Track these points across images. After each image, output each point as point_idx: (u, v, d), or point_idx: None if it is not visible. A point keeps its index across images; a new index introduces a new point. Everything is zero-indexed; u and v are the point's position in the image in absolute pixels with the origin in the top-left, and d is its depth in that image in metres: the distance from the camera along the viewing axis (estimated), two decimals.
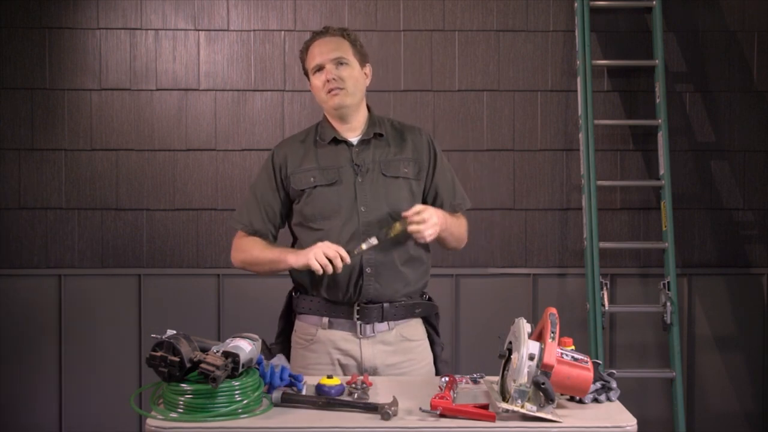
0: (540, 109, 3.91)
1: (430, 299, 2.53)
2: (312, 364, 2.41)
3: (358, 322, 2.39)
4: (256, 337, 2.00)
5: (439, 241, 2.46)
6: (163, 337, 1.89)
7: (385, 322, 2.40)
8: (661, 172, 3.78)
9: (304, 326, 2.46)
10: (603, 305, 3.68)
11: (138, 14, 3.84)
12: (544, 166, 3.92)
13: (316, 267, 2.25)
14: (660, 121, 3.78)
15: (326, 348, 2.41)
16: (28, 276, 3.82)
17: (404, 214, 2.30)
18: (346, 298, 2.38)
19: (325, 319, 2.41)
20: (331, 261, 2.25)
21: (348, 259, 2.26)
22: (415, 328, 2.48)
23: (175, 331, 1.92)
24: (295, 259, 2.32)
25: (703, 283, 3.94)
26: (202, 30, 3.86)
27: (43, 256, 3.83)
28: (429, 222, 2.29)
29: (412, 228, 2.28)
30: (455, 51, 3.89)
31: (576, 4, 3.82)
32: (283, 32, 3.87)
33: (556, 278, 3.92)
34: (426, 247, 2.48)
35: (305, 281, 2.44)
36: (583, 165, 3.76)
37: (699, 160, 3.94)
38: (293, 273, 2.48)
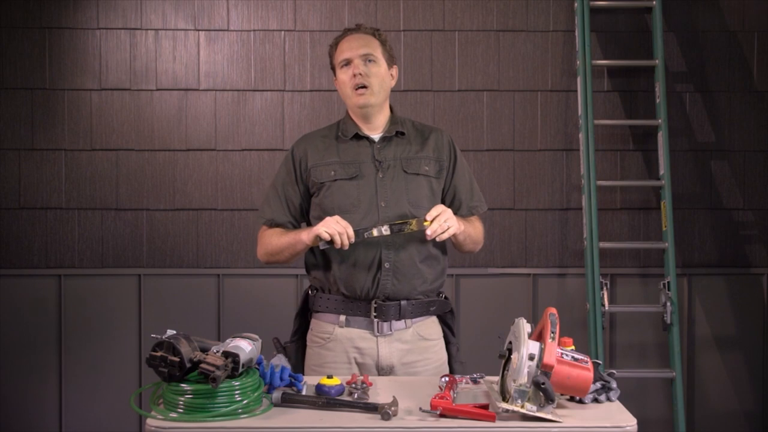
0: (540, 109, 3.91)
1: (446, 298, 2.54)
2: (329, 363, 2.42)
3: (376, 320, 2.39)
4: (256, 337, 2.00)
5: (456, 244, 2.49)
6: (163, 337, 1.89)
7: (403, 320, 2.41)
8: (661, 172, 3.78)
9: (321, 324, 2.46)
10: (603, 305, 3.68)
11: (138, 14, 3.84)
12: (544, 166, 3.92)
13: (325, 236, 2.28)
14: (660, 121, 3.78)
15: (343, 346, 2.42)
16: (28, 276, 3.82)
17: (426, 216, 2.31)
18: (363, 294, 2.39)
19: (342, 317, 2.42)
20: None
21: (353, 238, 2.28)
22: (432, 327, 2.49)
23: (175, 331, 1.92)
24: (307, 234, 2.36)
25: (703, 283, 3.94)
26: (202, 30, 3.86)
27: (43, 256, 3.83)
28: (445, 225, 2.30)
29: (428, 231, 2.29)
30: (455, 51, 3.89)
31: (576, 4, 3.82)
32: (283, 32, 3.87)
33: (556, 278, 3.92)
34: (443, 248, 2.50)
35: (323, 276, 2.45)
36: (583, 165, 3.76)
37: (699, 160, 3.94)
38: (311, 267, 2.50)
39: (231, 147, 3.87)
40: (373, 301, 2.39)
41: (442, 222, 2.30)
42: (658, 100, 3.80)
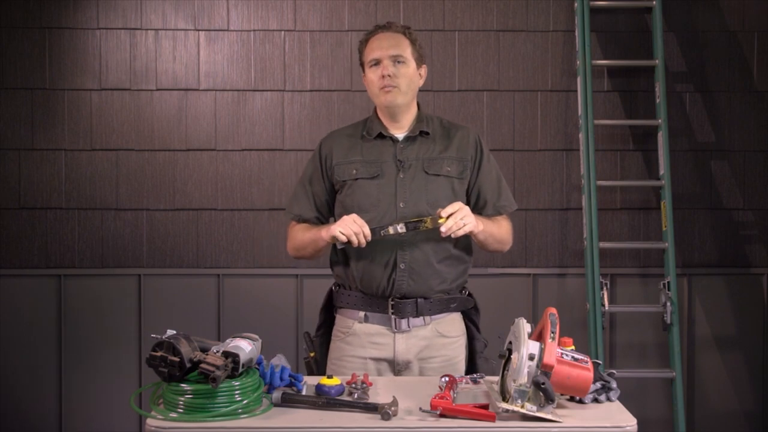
0: (540, 109, 3.91)
1: (470, 295, 2.54)
2: (346, 356, 2.45)
3: (393, 317, 2.41)
4: (256, 337, 2.01)
5: (478, 243, 2.48)
6: (163, 337, 1.89)
7: (421, 317, 2.43)
8: (661, 172, 3.78)
9: (343, 319, 2.50)
10: (603, 305, 3.68)
11: (138, 14, 3.84)
12: (544, 166, 3.92)
13: (341, 237, 2.31)
14: (660, 121, 3.78)
15: (361, 341, 2.44)
16: (28, 276, 3.82)
17: (438, 211, 2.31)
18: (380, 292, 2.41)
19: (362, 313, 2.45)
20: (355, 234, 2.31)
21: (369, 237, 2.31)
22: (452, 324, 2.50)
23: (175, 331, 1.92)
24: (326, 232, 2.38)
25: (703, 283, 3.94)
26: (202, 30, 3.86)
27: (43, 256, 3.83)
28: (461, 222, 2.29)
29: (442, 228, 2.28)
30: (455, 51, 3.89)
31: (576, 4, 3.82)
32: (283, 32, 3.87)
33: (556, 278, 3.92)
34: (467, 247, 2.50)
35: (342, 273, 2.48)
36: (583, 165, 3.76)
37: (699, 160, 3.94)
38: (334, 267, 2.53)
39: (231, 147, 3.87)
40: (390, 299, 2.41)
41: (457, 219, 2.29)
42: (658, 100, 3.80)
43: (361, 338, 2.44)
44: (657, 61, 3.79)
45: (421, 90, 3.85)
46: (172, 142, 3.86)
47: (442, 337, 2.46)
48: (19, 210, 3.82)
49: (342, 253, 2.46)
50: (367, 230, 2.31)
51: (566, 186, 3.92)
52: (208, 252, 3.86)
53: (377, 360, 2.43)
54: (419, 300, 2.41)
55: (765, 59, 3.94)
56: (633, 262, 3.93)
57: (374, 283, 2.41)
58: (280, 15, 3.86)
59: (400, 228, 2.33)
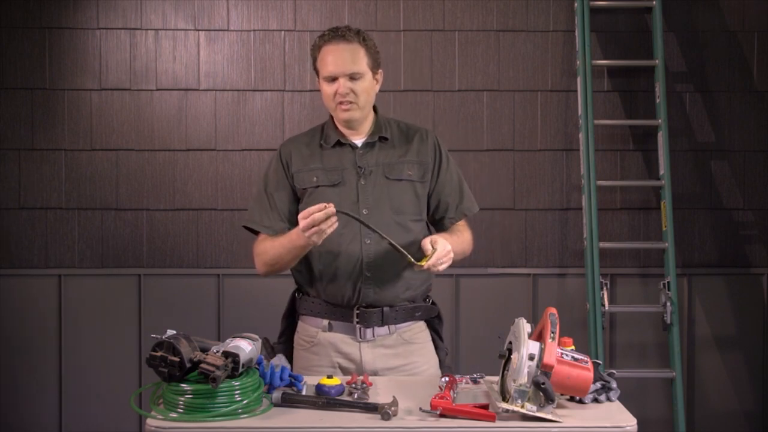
0: (540, 109, 3.91)
1: (433, 303, 2.51)
2: (314, 366, 2.40)
3: (358, 326, 2.38)
4: (256, 337, 2.01)
5: None
6: (163, 337, 1.89)
7: (386, 326, 2.39)
8: (661, 172, 3.78)
9: (306, 327, 2.45)
10: (603, 305, 3.68)
11: (138, 14, 3.84)
12: (544, 166, 3.92)
13: (316, 241, 2.18)
14: (660, 121, 3.78)
15: (327, 351, 2.41)
16: (28, 276, 3.82)
17: (425, 246, 2.22)
18: (345, 302, 2.37)
19: (326, 322, 2.41)
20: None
21: (333, 210, 2.14)
22: (417, 331, 2.47)
23: (175, 331, 1.92)
24: (303, 240, 2.22)
25: (703, 283, 3.94)
26: (202, 30, 3.86)
27: (43, 256, 3.83)
28: (440, 263, 2.23)
29: (423, 266, 2.21)
30: (455, 51, 3.89)
31: (576, 4, 3.82)
32: (283, 32, 3.87)
33: (556, 278, 3.92)
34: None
35: (306, 283, 2.44)
36: (583, 165, 3.76)
37: (699, 160, 3.94)
38: (295, 274, 2.48)
39: (231, 147, 3.87)
40: (355, 308, 2.37)
41: (437, 262, 2.21)
42: (658, 100, 3.80)
43: (327, 347, 2.40)
44: (657, 61, 3.79)
45: (421, 90, 3.90)
46: (172, 142, 3.86)
47: (408, 343, 2.43)
48: (19, 210, 3.82)
49: (305, 264, 2.40)
50: (320, 214, 2.13)
51: (566, 186, 3.92)
52: (208, 252, 3.86)
53: (344, 369, 2.39)
54: (385, 309, 2.37)
55: (765, 59, 3.94)
56: (633, 262, 3.93)
57: (339, 293, 2.36)
58: (280, 15, 3.86)
59: (385, 237, 2.23)
